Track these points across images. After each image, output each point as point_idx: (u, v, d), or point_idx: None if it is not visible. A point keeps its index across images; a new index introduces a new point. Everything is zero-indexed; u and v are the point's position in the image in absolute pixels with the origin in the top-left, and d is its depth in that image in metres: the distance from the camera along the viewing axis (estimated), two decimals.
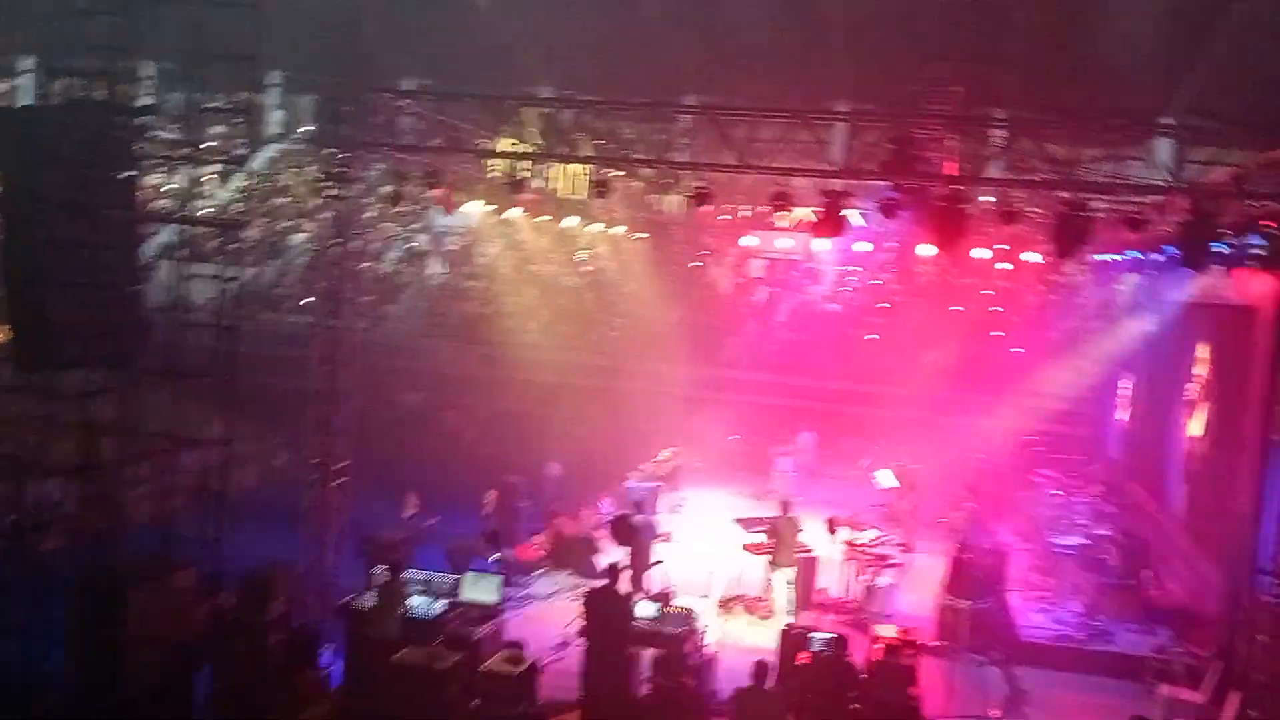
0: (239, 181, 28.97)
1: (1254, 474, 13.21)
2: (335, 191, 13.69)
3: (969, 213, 12.69)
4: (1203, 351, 17.45)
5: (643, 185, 22.68)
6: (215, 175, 29.69)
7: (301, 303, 19.63)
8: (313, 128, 29.85)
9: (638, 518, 15.94)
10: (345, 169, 13.57)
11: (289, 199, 29.92)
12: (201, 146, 15.82)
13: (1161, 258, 15.78)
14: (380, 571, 13.18)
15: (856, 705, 11.48)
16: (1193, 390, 17.87)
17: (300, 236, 28.60)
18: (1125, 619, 15.79)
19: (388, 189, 15.60)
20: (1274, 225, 11.42)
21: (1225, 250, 12.47)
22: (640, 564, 15.36)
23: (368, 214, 24.14)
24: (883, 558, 16.62)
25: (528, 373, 22.50)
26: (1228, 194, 12.11)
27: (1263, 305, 13.65)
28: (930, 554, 18.47)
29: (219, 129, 25.37)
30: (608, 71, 23.43)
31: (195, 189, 29.72)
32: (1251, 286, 13.68)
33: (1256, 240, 11.77)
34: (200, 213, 27.16)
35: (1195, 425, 17.40)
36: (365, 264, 18.03)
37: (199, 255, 14.00)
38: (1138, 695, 13.24)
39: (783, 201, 13.51)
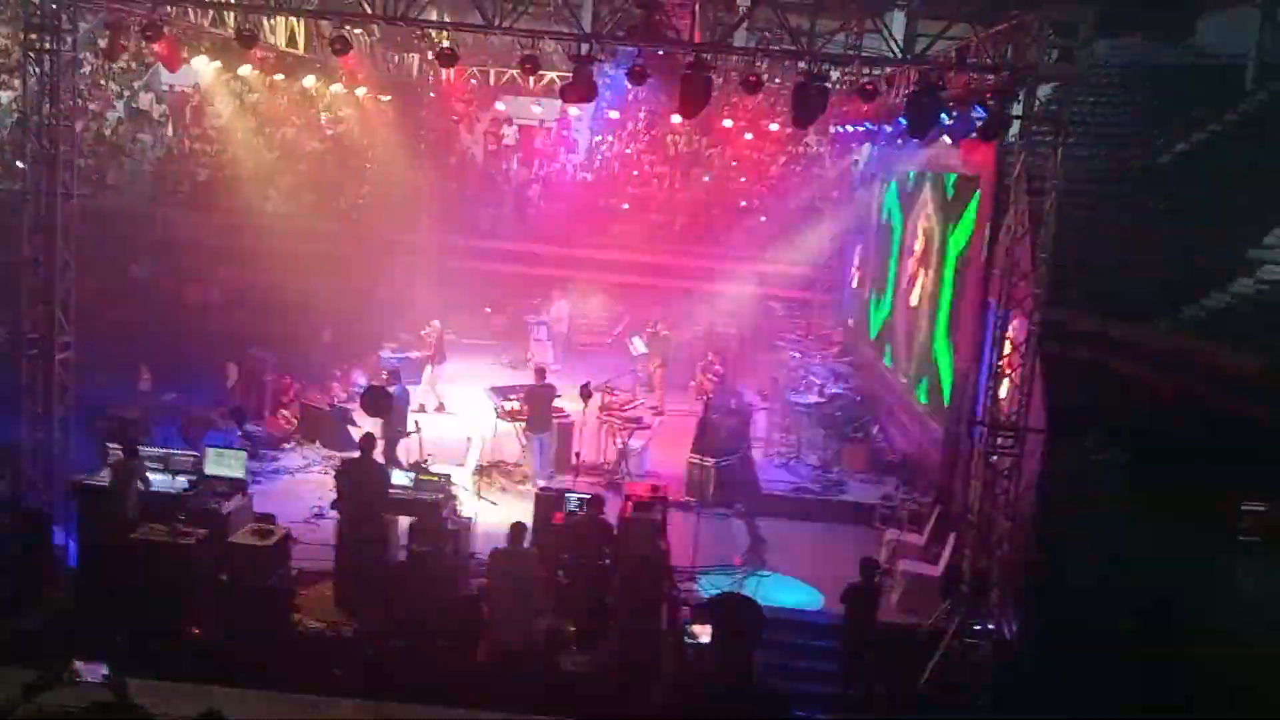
0: None
1: (972, 335, 14.24)
2: (43, 44, 12.44)
3: (713, 80, 12.83)
4: (926, 216, 18.49)
5: (386, 44, 21.93)
6: None
7: (15, 165, 17.91)
8: None
9: (393, 388, 15.71)
10: (54, 20, 12.33)
11: None
12: None
13: (893, 129, 16.53)
14: (114, 449, 12.51)
15: (608, 559, 11.89)
16: (911, 264, 18.98)
17: (7, 95, 25.97)
18: (856, 470, 16.98)
19: (103, 43, 14.31)
20: (993, 97, 12.10)
21: (950, 121, 13.14)
22: (394, 434, 15.23)
23: (83, 70, 22.16)
24: (635, 420, 17.13)
25: (270, 242, 21.46)
26: (951, 66, 12.71)
27: (983, 174, 14.56)
28: (679, 415, 19.17)
29: None
30: None
31: None
32: (973, 156, 14.55)
33: (979, 112, 12.46)
34: None
35: (914, 296, 18.55)
36: (81, 124, 16.61)
37: None
38: (867, 539, 14.32)
39: (531, 65, 13.27)
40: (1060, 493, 11.76)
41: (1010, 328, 12.28)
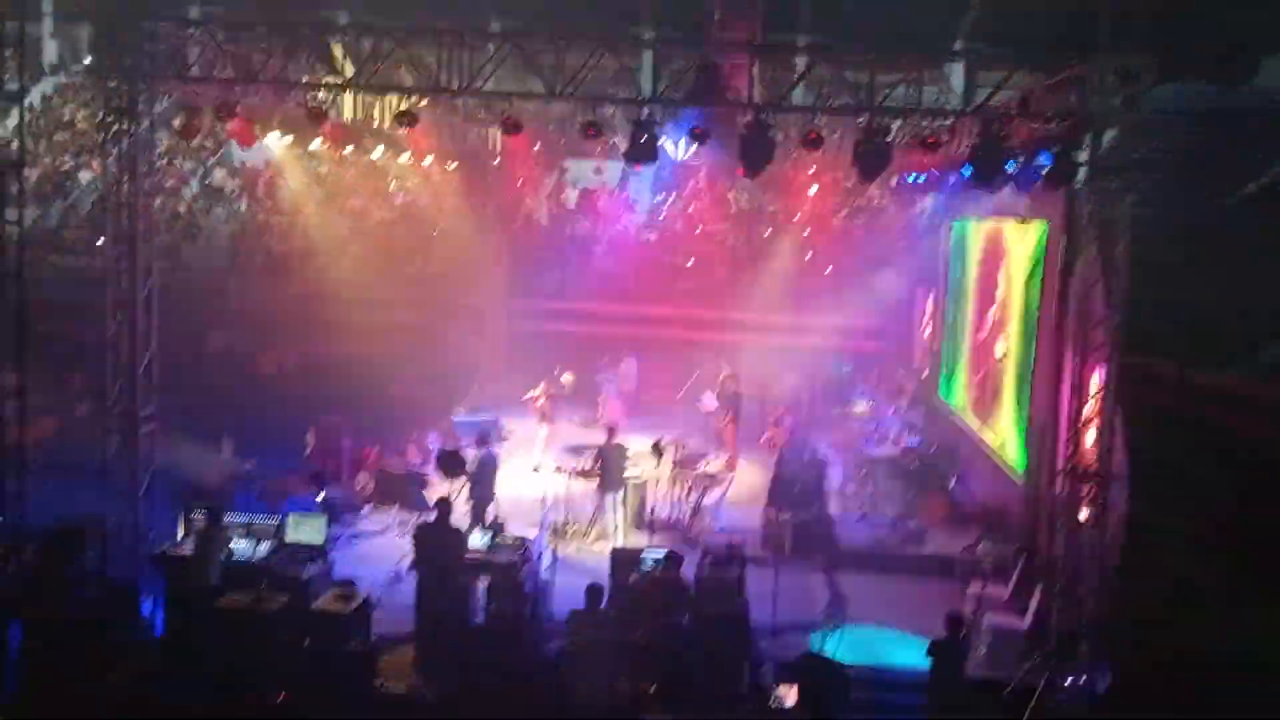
0: (15, 118, 26.95)
1: (1049, 383, 14.06)
2: (121, 126, 12.91)
3: (774, 139, 12.96)
4: (996, 270, 18.32)
5: (451, 115, 22.39)
6: None
7: (98, 243, 18.49)
8: (90, 59, 27.93)
9: (481, 451, 15.78)
10: (131, 102, 12.80)
11: (71, 135, 28.02)
12: None
13: (957, 179, 16.51)
14: (198, 518, 12.75)
15: (688, 618, 11.83)
16: (990, 312, 18.78)
17: (87, 175, 26.89)
18: (935, 523, 16.74)
19: (178, 122, 14.80)
20: (1059, 144, 12.06)
21: (1016, 170, 13.11)
22: (483, 497, 15.29)
23: (159, 149, 22.86)
24: (708, 477, 17.09)
25: (341, 311, 21.91)
26: (1013, 116, 12.71)
27: (1051, 221, 14.46)
28: (752, 471, 19.08)
29: None
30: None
31: None
32: (1041, 204, 14.47)
33: (1044, 159, 12.42)
34: None
35: (998, 349, 18.37)
36: (159, 201, 17.10)
37: None
38: (951, 593, 14.07)
39: (593, 129, 13.49)
40: (1143, 542, 11.52)
41: (1088, 375, 12.12)
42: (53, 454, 13.69)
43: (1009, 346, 17.26)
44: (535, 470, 16.78)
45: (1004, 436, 17.11)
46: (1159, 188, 16.66)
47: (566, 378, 20.19)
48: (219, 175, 27.17)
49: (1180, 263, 14.48)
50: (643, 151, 13.14)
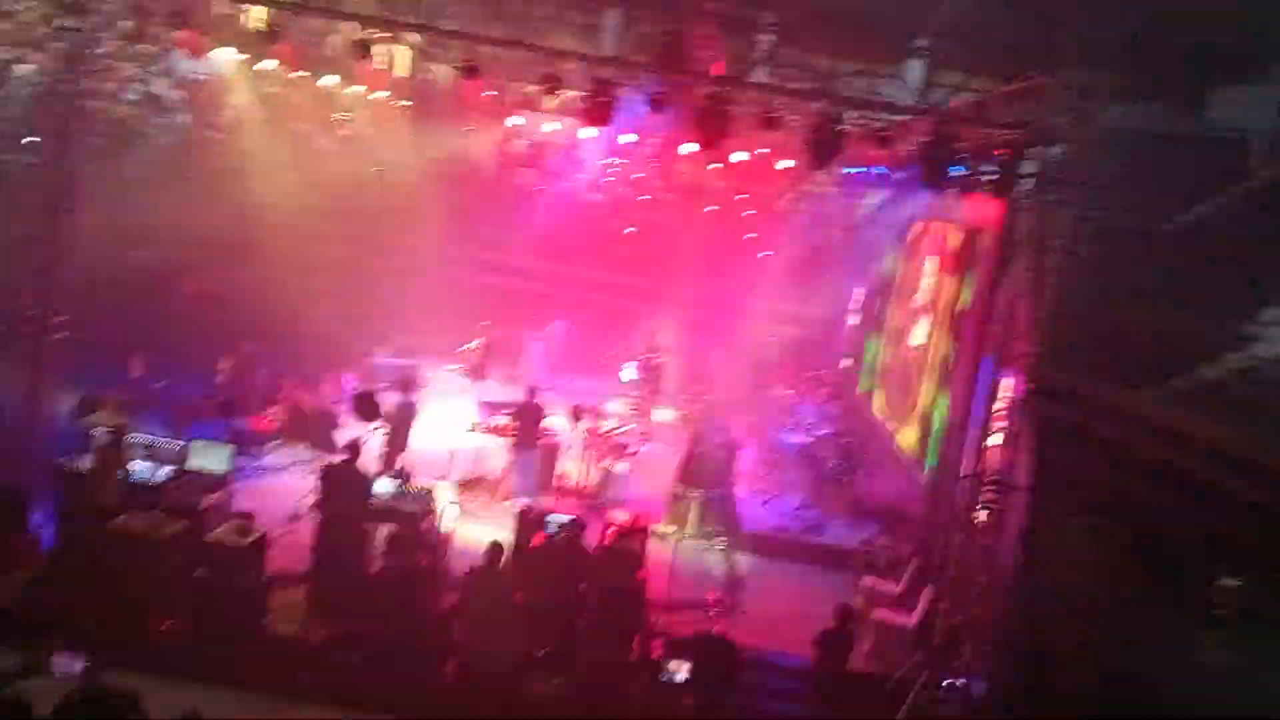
0: None
1: (964, 386, 14.27)
2: (67, 22, 12.47)
3: (730, 115, 12.90)
4: (930, 265, 18.55)
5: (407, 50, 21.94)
6: None
7: (24, 140, 17.88)
8: None
9: (401, 398, 15.61)
10: None
11: (14, 25, 27.01)
12: None
13: (904, 175, 16.61)
14: (100, 433, 12.46)
15: (585, 586, 11.86)
16: (919, 299, 18.99)
17: (25, 68, 25.96)
18: (837, 513, 16.97)
19: (128, 25, 14.34)
20: (1007, 153, 12.17)
21: (962, 174, 13.23)
22: (396, 445, 15.15)
23: (102, 49, 22.14)
24: (621, 446, 17.12)
25: (273, 237, 21.47)
26: (967, 120, 12.80)
27: (987, 228, 14.62)
28: (665, 444, 19.15)
29: None
30: None
31: None
32: (979, 209, 14.61)
33: (990, 166, 12.54)
34: None
35: (917, 334, 18.57)
36: (96, 105, 16.58)
37: None
38: (844, 584, 14.31)
39: (552, 83, 13.32)
40: (1040, 553, 11.76)
41: (1003, 383, 12.31)
42: None
43: (929, 341, 17.49)
44: (472, 430, 16.59)
45: (910, 426, 17.38)
46: (1096, 206, 16.96)
47: (474, 343, 20.09)
48: (161, 85, 26.39)
49: (1108, 283, 14.74)
50: (600, 113, 13.01)
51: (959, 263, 16.42)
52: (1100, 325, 13.89)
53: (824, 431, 18.71)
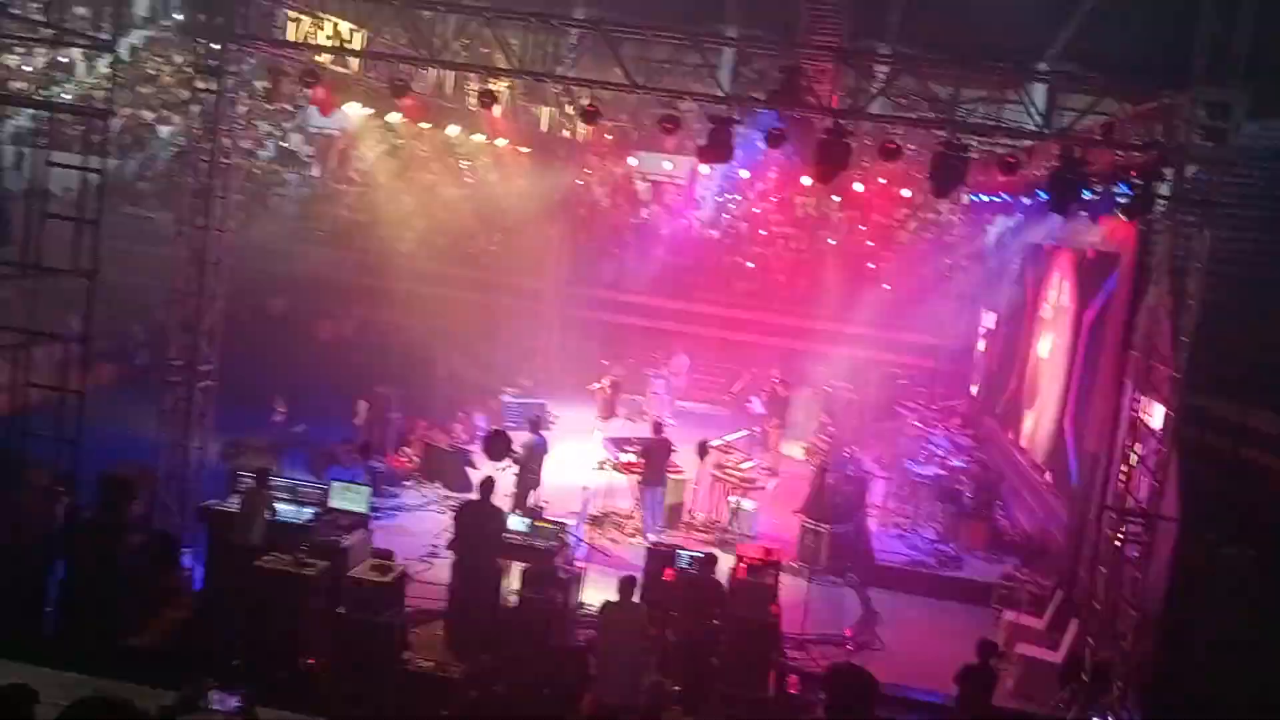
0: (103, 67, 27.46)
1: (1104, 415, 13.84)
2: (205, 85, 13.11)
3: (851, 147, 12.83)
4: (1062, 290, 18.08)
5: (529, 98, 22.50)
6: (77, 59, 28.21)
7: (171, 198, 18.84)
8: (181, 15, 28.41)
9: (533, 436, 15.82)
10: (217, 61, 12.98)
11: (156, 89, 28.50)
12: (64, 27, 14.97)
13: (1031, 201, 16.30)
14: (245, 477, 12.93)
15: (718, 621, 11.79)
16: (1050, 323, 18.50)
17: (167, 129, 27.36)
18: (975, 547, 16.54)
19: (262, 85, 15.00)
20: (1138, 176, 11.83)
21: (1092, 197, 12.90)
22: (529, 481, 15.35)
23: (239, 109, 23.18)
24: (749, 480, 17.03)
25: (402, 283, 22.13)
26: (1097, 143, 12.48)
27: (1124, 253, 14.20)
28: (794, 479, 18.98)
29: (82, 10, 24.00)
30: None
31: (55, 73, 28.22)
32: (1115, 234, 14.23)
33: (1122, 189, 12.19)
34: (60, 98, 25.79)
35: (1043, 346, 18.08)
36: (235, 161, 17.39)
37: (59, 143, 13.28)
38: (984, 619, 13.92)
39: (670, 124, 13.44)
40: (1191, 586, 11.30)
41: (1146, 411, 11.88)
42: (112, 401, 13.96)
43: (1055, 371, 17.08)
44: (600, 467, 16.68)
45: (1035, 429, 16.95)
46: (1235, 226, 16.35)
47: (604, 380, 20.31)
48: (294, 140, 27.52)
49: (1250, 304, 14.18)
50: (718, 150, 13.08)
51: (1092, 287, 15.98)
52: (1245, 348, 13.37)
53: (957, 463, 18.31)
